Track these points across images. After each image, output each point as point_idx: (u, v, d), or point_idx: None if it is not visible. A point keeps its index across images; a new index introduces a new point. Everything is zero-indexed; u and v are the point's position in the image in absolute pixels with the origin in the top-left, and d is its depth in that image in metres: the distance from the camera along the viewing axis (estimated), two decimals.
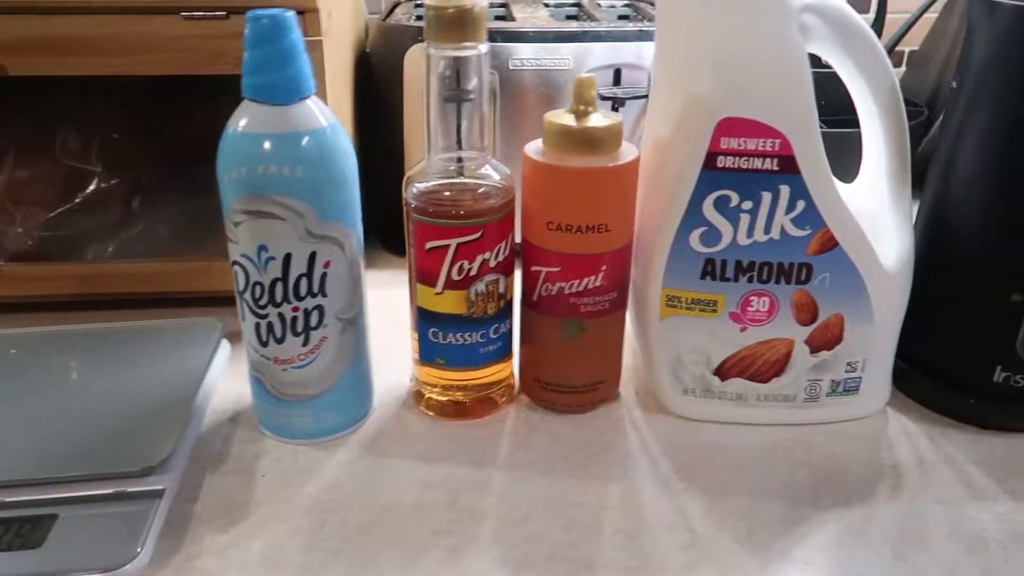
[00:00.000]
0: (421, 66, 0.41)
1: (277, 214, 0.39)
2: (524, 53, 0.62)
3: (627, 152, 0.43)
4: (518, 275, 0.46)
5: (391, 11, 0.73)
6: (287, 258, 0.40)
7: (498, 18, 0.75)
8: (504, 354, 0.47)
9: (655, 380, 0.47)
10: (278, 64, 0.38)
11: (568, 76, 0.63)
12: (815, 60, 0.41)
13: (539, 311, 0.45)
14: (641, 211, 0.45)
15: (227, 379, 0.50)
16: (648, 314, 0.45)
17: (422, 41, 0.42)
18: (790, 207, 0.41)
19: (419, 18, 0.68)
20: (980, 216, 0.44)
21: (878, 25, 0.80)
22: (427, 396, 0.47)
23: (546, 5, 0.78)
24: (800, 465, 0.43)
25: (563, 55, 0.62)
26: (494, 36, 0.62)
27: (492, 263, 0.43)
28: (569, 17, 0.78)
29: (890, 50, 0.75)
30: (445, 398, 0.47)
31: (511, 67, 0.62)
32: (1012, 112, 0.42)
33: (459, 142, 0.43)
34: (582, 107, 0.42)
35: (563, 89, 0.63)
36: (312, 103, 0.40)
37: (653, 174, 0.45)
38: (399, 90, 0.63)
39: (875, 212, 0.45)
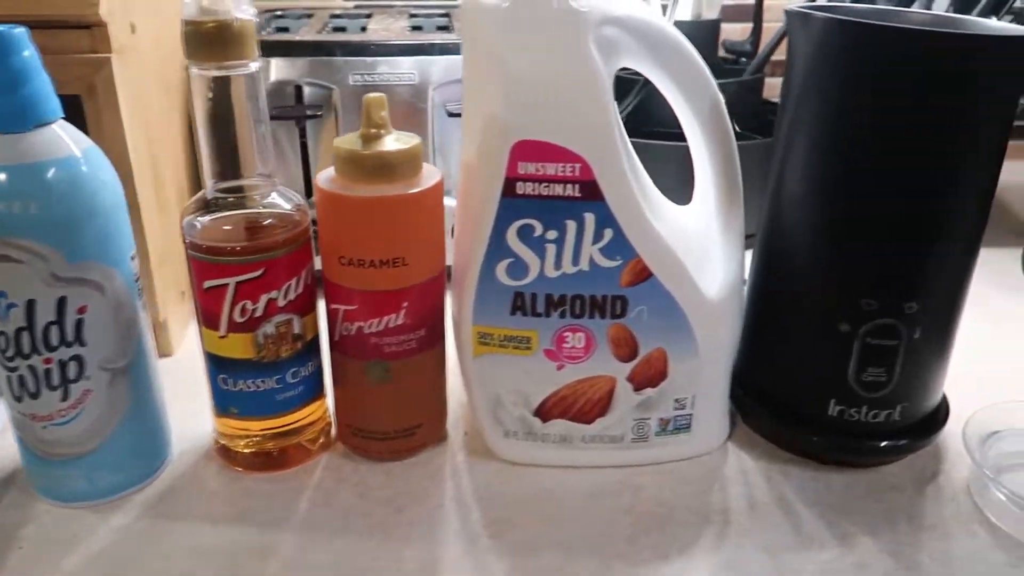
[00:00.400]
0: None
1: (13, 257, 0.34)
2: (365, 68, 0.58)
3: (427, 177, 0.39)
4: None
5: None
6: (30, 305, 0.35)
7: (363, 29, 0.72)
8: (309, 398, 0.43)
9: (477, 422, 0.44)
10: (4, 87, 0.34)
11: (415, 91, 0.59)
12: None
13: (343, 352, 0.41)
14: (455, 241, 0.42)
15: (8, 435, 0.45)
16: (463, 352, 0.42)
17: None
18: (597, 236, 0.38)
19: (279, 29, 0.63)
20: (806, 239, 0.41)
21: (755, 34, 0.78)
22: (230, 448, 0.43)
23: (413, 15, 0.74)
24: (624, 512, 0.40)
25: (407, 69, 0.59)
26: (334, 49, 0.59)
27: (281, 302, 0.39)
28: (440, 28, 0.75)
29: (766, 59, 0.72)
30: (249, 450, 0.43)
31: (352, 83, 0.58)
32: (830, 127, 0.39)
33: (247, 170, 0.39)
34: (372, 130, 0.38)
35: (411, 105, 0.59)
36: (59, 129, 0.36)
37: (463, 200, 0.41)
38: None
39: (703, 237, 0.42)
